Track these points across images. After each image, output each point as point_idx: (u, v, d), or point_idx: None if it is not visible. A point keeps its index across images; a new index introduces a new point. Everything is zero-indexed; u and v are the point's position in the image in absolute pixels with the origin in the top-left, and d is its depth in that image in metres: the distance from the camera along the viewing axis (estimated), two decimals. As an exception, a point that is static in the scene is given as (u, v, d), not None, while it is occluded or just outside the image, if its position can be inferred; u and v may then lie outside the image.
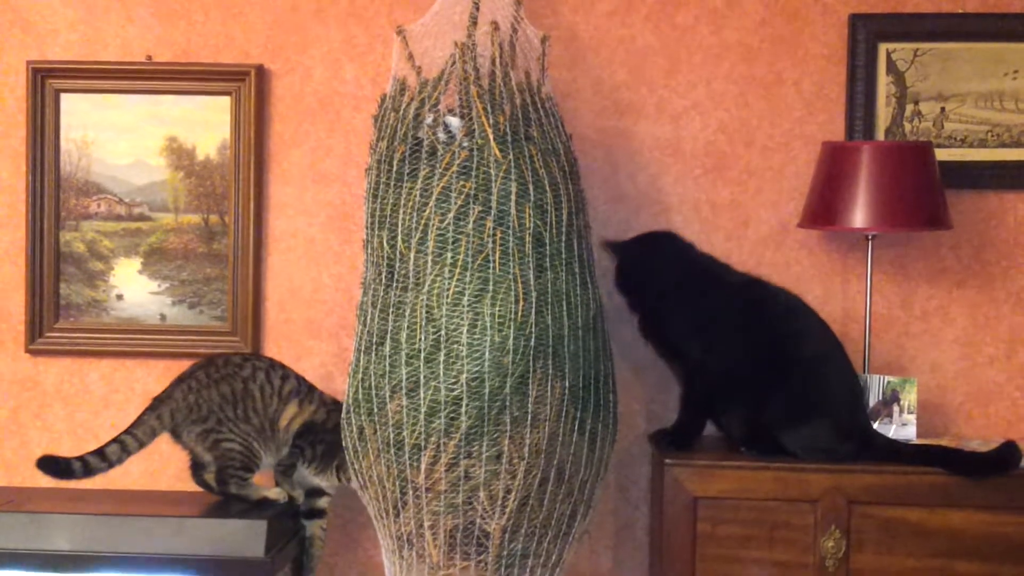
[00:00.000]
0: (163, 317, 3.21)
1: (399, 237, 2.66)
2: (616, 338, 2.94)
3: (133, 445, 2.84)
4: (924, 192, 2.92)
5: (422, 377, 2.60)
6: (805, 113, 3.15)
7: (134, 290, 3.22)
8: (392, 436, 2.63)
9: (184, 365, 2.96)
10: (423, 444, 2.60)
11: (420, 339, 2.60)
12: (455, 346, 2.58)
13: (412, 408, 2.60)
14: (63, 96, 3.19)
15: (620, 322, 3.01)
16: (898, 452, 2.81)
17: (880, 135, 3.13)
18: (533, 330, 2.60)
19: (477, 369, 2.57)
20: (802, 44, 3.15)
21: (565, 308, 2.66)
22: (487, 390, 2.57)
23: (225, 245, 3.20)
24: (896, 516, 2.74)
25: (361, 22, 3.18)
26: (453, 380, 2.58)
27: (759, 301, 2.90)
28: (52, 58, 3.20)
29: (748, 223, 3.16)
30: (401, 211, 2.67)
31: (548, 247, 2.65)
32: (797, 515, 2.75)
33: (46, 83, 3.19)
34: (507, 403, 2.58)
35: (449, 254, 2.61)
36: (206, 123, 3.18)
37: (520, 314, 2.59)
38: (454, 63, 2.70)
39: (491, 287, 2.60)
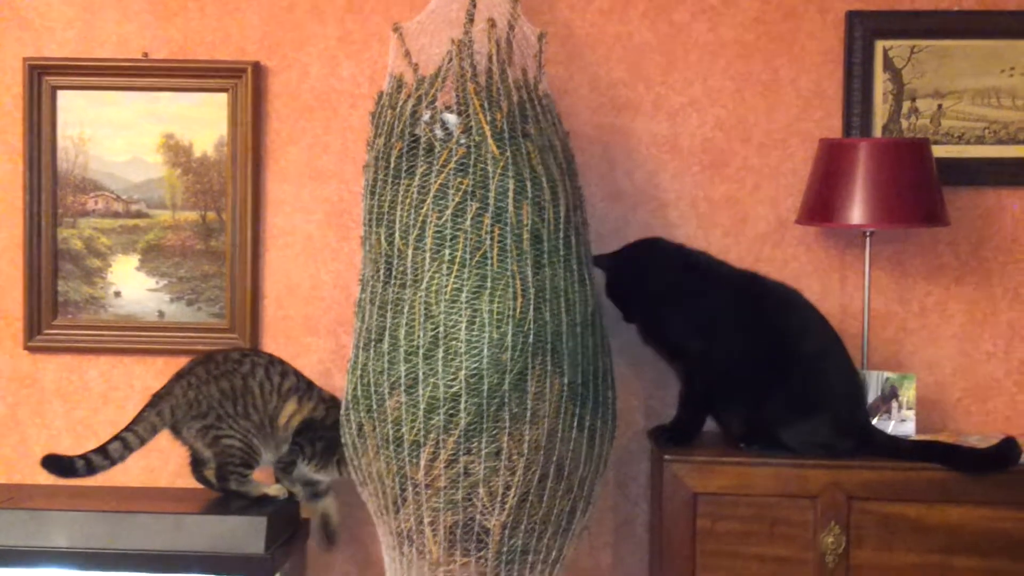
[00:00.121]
0: (161, 314, 3.21)
1: (397, 234, 2.66)
2: (614, 335, 2.95)
3: (134, 442, 2.84)
4: (921, 189, 2.92)
5: (421, 374, 2.60)
6: (802, 110, 3.16)
7: (132, 287, 3.21)
8: (391, 433, 2.63)
9: (182, 362, 2.96)
10: (422, 441, 2.60)
11: (419, 336, 2.60)
12: (453, 343, 2.58)
13: (411, 405, 2.61)
14: (60, 93, 3.19)
15: (618, 319, 3.01)
16: (897, 448, 2.81)
17: (877, 132, 3.13)
18: (531, 327, 2.60)
19: (476, 366, 2.57)
20: (799, 41, 3.15)
21: (563, 305, 2.66)
22: (486, 386, 2.57)
23: (223, 242, 3.19)
24: (895, 512, 2.74)
25: (358, 19, 3.18)
26: (452, 377, 2.58)
27: (757, 296, 2.90)
28: (49, 55, 3.20)
29: (746, 220, 3.17)
30: (399, 208, 2.67)
31: (546, 244, 2.65)
32: (797, 511, 2.76)
33: (43, 80, 3.18)
34: (506, 399, 2.58)
35: (447, 251, 2.61)
36: (203, 120, 3.18)
37: (518, 311, 2.60)
38: (451, 60, 2.70)
39: (489, 284, 2.60)
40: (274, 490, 2.90)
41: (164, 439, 2.92)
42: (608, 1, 3.15)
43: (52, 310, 3.21)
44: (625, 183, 3.18)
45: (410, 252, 2.64)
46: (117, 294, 3.22)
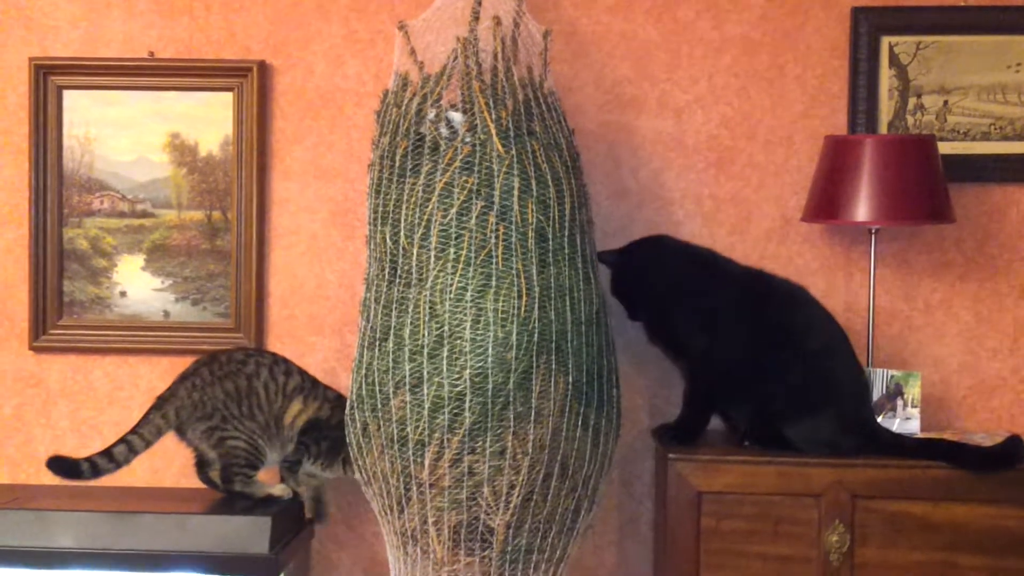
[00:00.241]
0: (167, 314, 3.21)
1: (402, 233, 2.66)
2: (619, 333, 2.94)
3: (140, 445, 2.84)
4: (927, 186, 2.92)
5: (425, 373, 2.60)
6: (807, 107, 3.15)
7: (137, 287, 3.22)
8: (396, 432, 2.63)
9: (188, 362, 2.97)
10: (427, 440, 2.60)
11: (423, 335, 2.60)
12: (458, 342, 2.58)
13: (416, 404, 2.61)
14: (65, 93, 3.19)
15: (623, 317, 3.00)
16: (902, 446, 2.81)
17: (883, 129, 3.12)
18: (536, 325, 2.60)
19: (480, 365, 2.57)
20: (804, 38, 3.15)
21: (568, 303, 2.66)
22: (490, 386, 2.57)
23: (228, 241, 3.20)
24: (900, 510, 2.74)
25: (363, 17, 3.18)
26: (456, 376, 2.58)
27: (762, 294, 2.90)
28: (54, 55, 3.20)
29: (751, 217, 3.16)
30: (404, 207, 2.67)
31: (551, 242, 2.65)
32: (801, 509, 2.75)
33: (48, 80, 3.19)
34: (511, 399, 2.58)
35: (452, 250, 2.61)
36: (208, 119, 3.18)
37: (523, 309, 2.60)
38: (456, 58, 2.69)
39: (494, 283, 2.60)
40: (278, 490, 2.90)
41: (169, 439, 2.92)
42: (613, -1, 3.16)
43: (57, 310, 3.21)
44: (630, 181, 3.18)
45: (415, 251, 2.64)
46: (123, 294, 3.22)
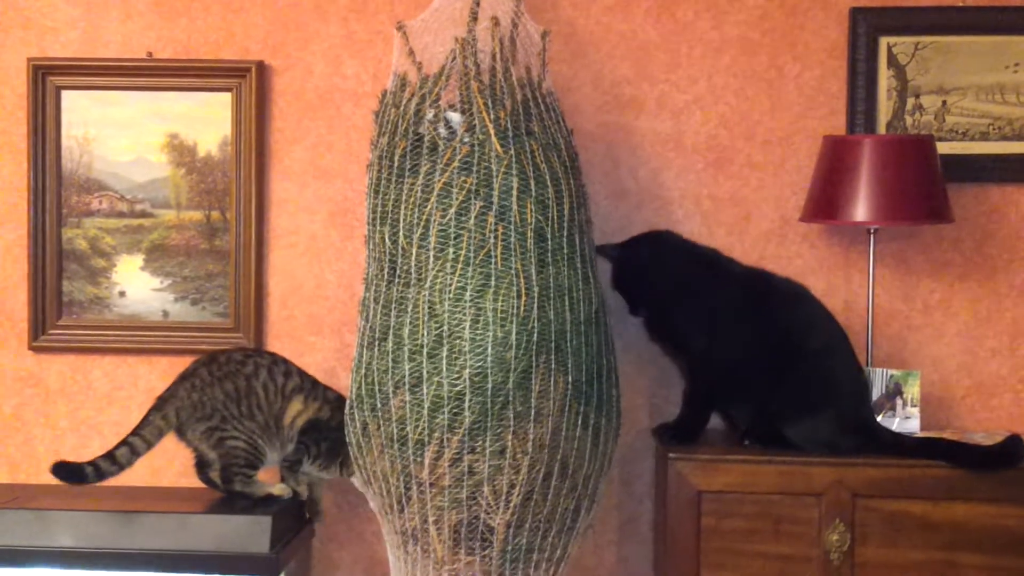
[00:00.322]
0: (166, 314, 3.21)
1: (401, 233, 2.66)
2: (618, 333, 2.95)
3: (141, 446, 2.84)
4: (926, 186, 2.92)
5: (425, 373, 2.60)
6: (806, 107, 3.15)
7: (136, 287, 3.22)
8: (396, 432, 2.63)
9: (187, 361, 2.96)
10: (427, 440, 2.60)
11: (423, 335, 2.60)
12: (458, 341, 2.58)
13: (415, 404, 2.61)
14: (64, 93, 3.19)
15: (622, 317, 3.01)
16: (902, 445, 2.81)
17: (881, 129, 3.13)
18: (535, 325, 2.60)
19: (480, 364, 2.57)
20: (803, 38, 3.15)
21: (567, 303, 2.66)
22: (490, 385, 2.57)
23: (227, 241, 3.20)
24: (900, 509, 2.74)
25: (361, 18, 3.18)
26: (456, 375, 2.58)
27: (763, 293, 2.90)
28: (53, 55, 3.20)
29: (750, 217, 3.16)
30: (403, 207, 2.67)
31: (550, 242, 2.65)
32: (801, 509, 2.75)
33: (47, 80, 3.18)
34: (510, 398, 2.58)
35: (451, 250, 2.61)
36: (207, 120, 3.18)
37: (522, 309, 2.60)
38: (455, 59, 2.70)
39: (493, 282, 2.60)
40: (278, 490, 2.90)
41: (169, 439, 2.92)
42: (611, -1, 3.16)
43: (57, 310, 3.21)
44: (629, 181, 3.18)
45: (414, 251, 2.64)
46: (122, 294, 3.22)
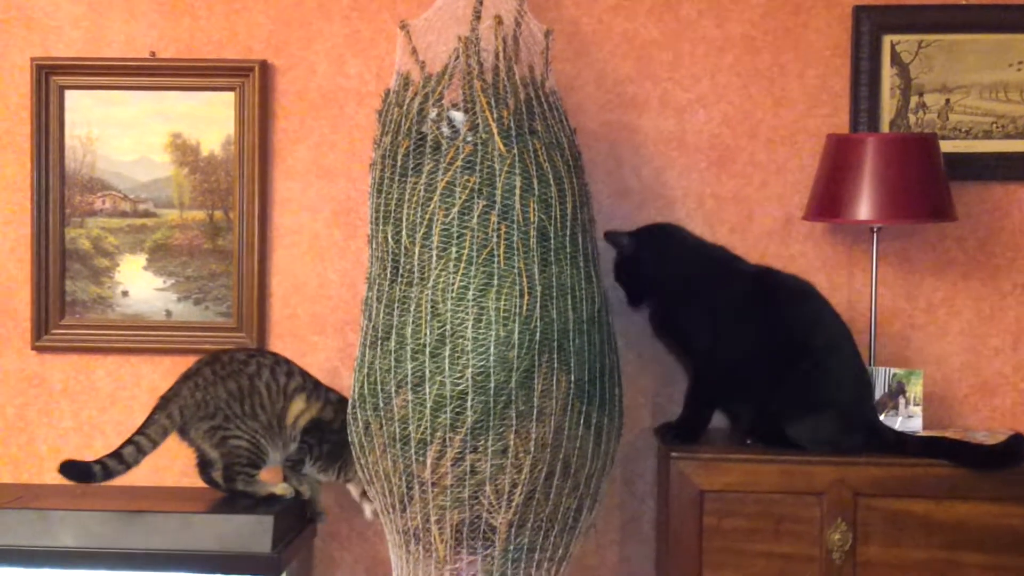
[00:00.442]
0: (169, 313, 3.22)
1: (404, 232, 2.66)
2: (621, 332, 2.95)
3: (147, 445, 2.85)
4: (929, 184, 2.92)
5: (427, 372, 2.60)
6: (809, 105, 3.15)
7: (139, 286, 3.22)
8: (398, 431, 2.63)
9: (190, 361, 2.97)
10: (429, 439, 2.60)
11: (425, 334, 2.61)
12: (460, 341, 2.58)
13: (418, 403, 2.61)
14: (67, 93, 3.20)
15: (625, 316, 3.00)
16: (904, 444, 2.80)
17: (885, 127, 3.12)
18: (538, 324, 2.60)
19: (482, 363, 2.57)
20: (806, 36, 3.15)
21: (570, 302, 2.66)
22: (492, 384, 2.57)
23: (230, 241, 3.20)
24: (902, 508, 2.74)
25: (364, 17, 3.18)
26: (459, 375, 2.58)
27: (769, 290, 2.89)
28: (56, 55, 3.21)
29: (753, 216, 3.16)
30: (406, 206, 2.67)
31: (552, 241, 2.65)
32: (803, 508, 2.75)
33: (50, 80, 3.19)
34: (513, 397, 2.58)
35: (454, 249, 2.61)
36: (210, 119, 3.19)
37: (525, 308, 2.60)
38: (458, 58, 2.70)
39: (496, 281, 2.60)
40: (280, 489, 2.91)
41: (171, 439, 2.92)
42: (614, -3, 3.16)
43: (60, 310, 3.22)
44: (632, 180, 3.18)
45: (417, 250, 2.64)
46: (125, 293, 3.23)
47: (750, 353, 2.84)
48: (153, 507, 2.84)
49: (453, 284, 2.60)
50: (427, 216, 2.64)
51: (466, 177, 2.63)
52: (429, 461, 2.61)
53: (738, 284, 2.89)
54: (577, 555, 2.80)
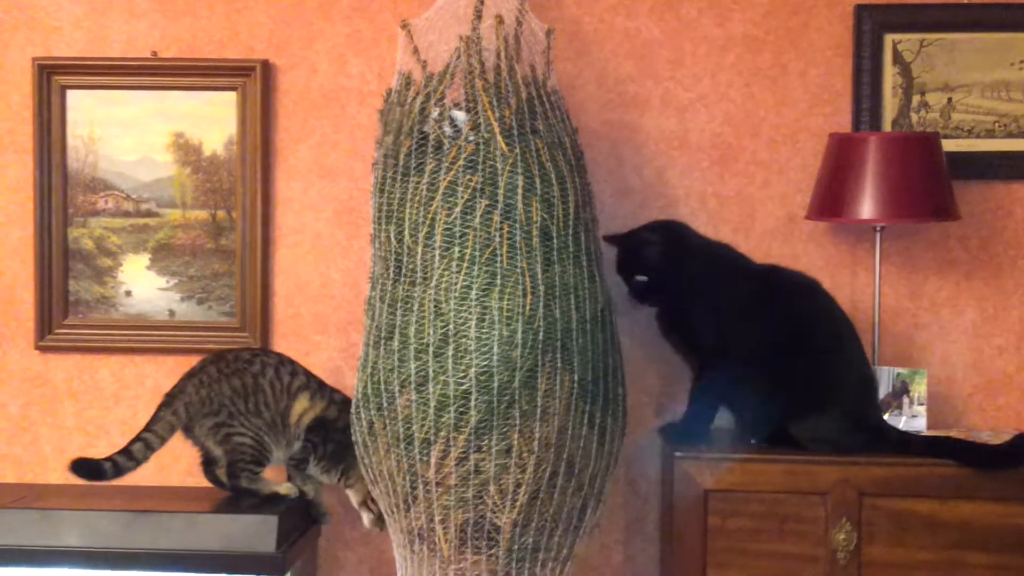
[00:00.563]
0: (172, 313, 3.21)
1: (406, 231, 2.66)
2: (625, 331, 2.94)
3: (156, 442, 2.86)
4: (931, 183, 2.91)
5: (431, 371, 2.60)
6: (811, 105, 3.15)
7: (143, 286, 3.22)
8: (402, 431, 2.63)
9: (193, 361, 2.97)
10: (433, 438, 2.60)
11: (428, 333, 2.60)
12: (463, 340, 2.58)
13: (421, 403, 2.61)
14: (69, 92, 3.19)
15: (629, 315, 3.00)
16: (908, 444, 2.80)
17: (887, 126, 3.12)
18: (541, 324, 2.60)
19: (486, 363, 2.57)
20: (808, 35, 3.15)
21: (573, 302, 2.66)
22: (496, 384, 2.57)
23: (233, 241, 3.20)
24: (907, 508, 2.73)
25: (366, 16, 3.18)
26: (462, 374, 2.58)
27: (773, 289, 2.89)
28: (58, 55, 3.20)
29: (755, 215, 3.16)
30: (408, 205, 2.67)
31: (555, 241, 2.65)
32: (808, 508, 2.75)
33: (52, 80, 3.19)
34: (516, 397, 2.58)
35: (456, 248, 2.61)
36: (212, 119, 3.18)
37: (528, 308, 2.60)
38: (459, 57, 2.69)
39: (499, 281, 2.60)
40: (285, 488, 2.91)
41: (175, 439, 2.92)
42: (616, -3, 3.16)
43: (63, 309, 3.22)
44: (634, 179, 3.18)
45: (419, 250, 2.64)
46: (128, 293, 3.23)
47: (756, 351, 2.83)
48: (157, 507, 2.84)
49: (456, 284, 2.60)
50: (430, 216, 2.63)
51: (468, 177, 2.63)
52: (433, 461, 2.61)
53: (745, 281, 2.89)
54: (581, 555, 2.80)
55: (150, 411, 2.91)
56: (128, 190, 3.22)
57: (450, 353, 2.59)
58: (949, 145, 3.04)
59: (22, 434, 3.26)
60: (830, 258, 3.15)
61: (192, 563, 2.74)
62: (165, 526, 2.76)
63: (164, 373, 3.16)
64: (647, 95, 3.17)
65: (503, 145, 2.63)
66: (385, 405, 2.65)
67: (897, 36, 3.11)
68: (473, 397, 2.58)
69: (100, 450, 2.91)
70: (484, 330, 2.58)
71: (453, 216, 2.62)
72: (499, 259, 2.60)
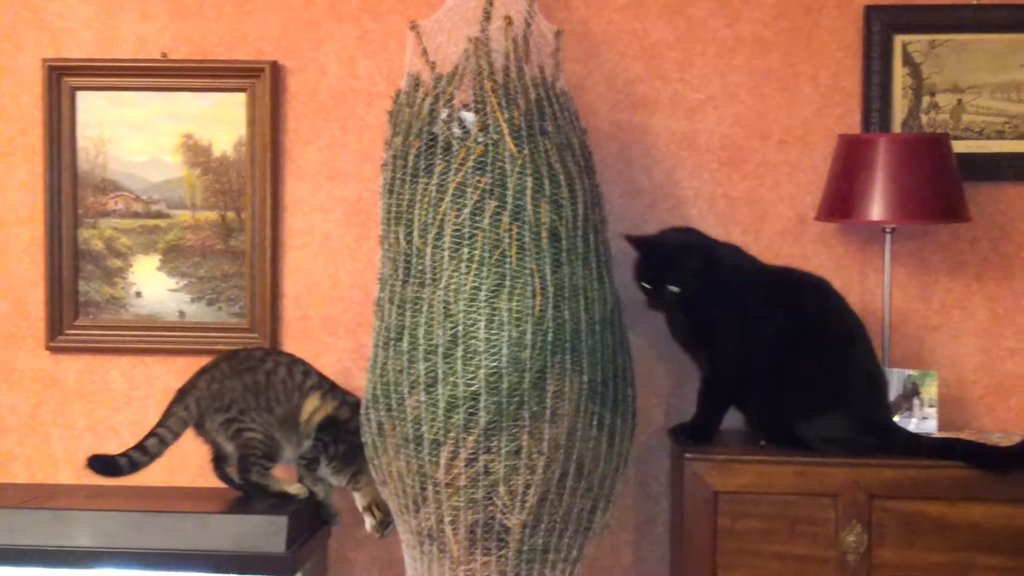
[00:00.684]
0: (182, 314, 3.22)
1: (415, 233, 2.66)
2: (634, 332, 2.94)
3: (169, 437, 2.87)
4: (941, 184, 2.91)
5: (440, 373, 2.60)
6: (821, 106, 3.14)
7: (153, 287, 3.23)
8: (411, 432, 2.63)
9: (203, 361, 2.97)
10: (442, 440, 2.60)
11: (438, 335, 2.61)
12: (473, 341, 2.58)
13: (431, 404, 2.61)
14: (79, 94, 3.20)
15: (637, 316, 3.00)
16: (919, 446, 2.79)
17: (897, 127, 3.12)
18: (550, 325, 2.60)
19: (495, 364, 2.57)
20: (817, 36, 3.14)
21: (582, 303, 2.66)
22: (505, 385, 2.57)
23: (242, 242, 3.20)
24: (917, 510, 2.73)
25: (375, 18, 3.18)
26: (471, 376, 2.58)
27: (786, 287, 2.88)
28: (68, 56, 3.21)
29: (765, 216, 3.16)
30: (417, 207, 2.67)
31: (564, 242, 2.65)
32: (818, 509, 2.75)
33: (62, 81, 3.19)
34: (525, 398, 2.58)
35: (465, 249, 2.61)
36: (222, 120, 3.19)
37: (537, 309, 2.59)
38: (468, 58, 2.69)
39: (508, 282, 2.60)
40: (295, 489, 2.91)
41: (185, 439, 2.93)
42: (625, -2, 3.15)
43: (73, 310, 3.22)
44: (643, 180, 3.17)
45: (429, 251, 2.64)
46: (138, 294, 3.23)
47: (767, 351, 2.82)
48: (167, 507, 2.85)
49: (465, 285, 2.60)
50: (439, 217, 2.63)
51: (477, 178, 2.63)
52: (443, 462, 2.61)
53: (758, 283, 2.88)
54: (591, 556, 2.80)
55: (160, 412, 2.92)
56: (138, 191, 3.22)
57: (459, 354, 2.59)
58: (959, 146, 3.04)
59: (33, 434, 3.26)
60: (840, 259, 3.14)
61: (202, 563, 2.74)
62: (175, 526, 2.77)
63: (174, 374, 3.17)
64: (656, 96, 3.16)
65: (512, 146, 2.63)
66: (395, 406, 2.66)
67: (907, 37, 3.11)
68: (482, 398, 2.58)
69: (110, 450, 2.91)
70: (493, 331, 2.58)
71: (462, 217, 2.62)
72: (508, 260, 2.60)
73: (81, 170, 3.22)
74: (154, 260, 3.22)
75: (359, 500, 2.99)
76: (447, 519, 2.63)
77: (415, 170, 2.69)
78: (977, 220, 3.09)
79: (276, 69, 3.17)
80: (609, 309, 2.73)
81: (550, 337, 2.60)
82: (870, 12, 3.11)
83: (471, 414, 2.58)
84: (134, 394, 3.24)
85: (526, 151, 2.63)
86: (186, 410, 2.88)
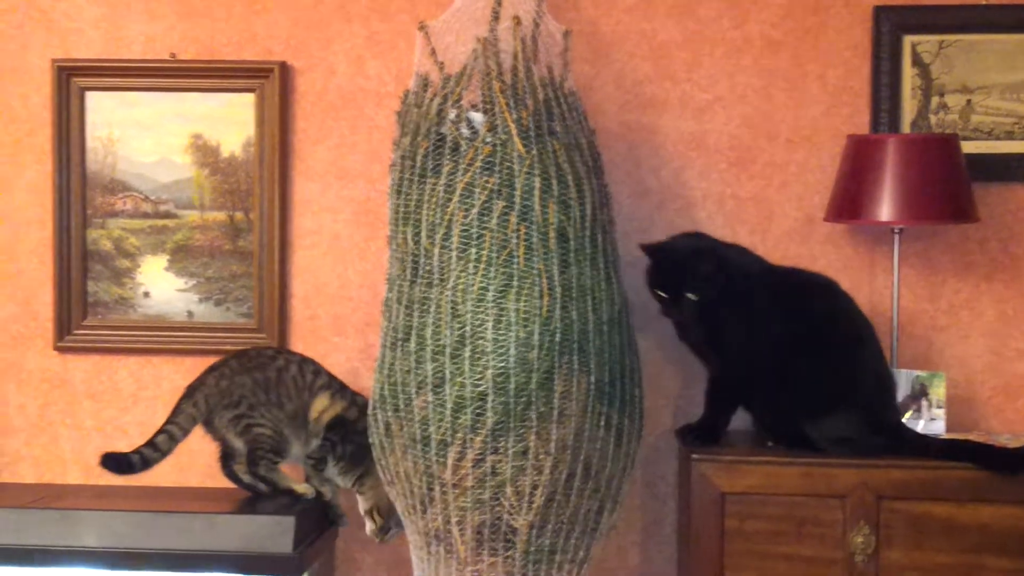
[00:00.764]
0: (190, 314, 3.22)
1: (423, 233, 2.66)
2: (641, 333, 2.94)
3: (178, 433, 2.89)
4: (950, 185, 2.90)
5: (448, 373, 2.60)
6: (830, 106, 3.14)
7: (161, 287, 3.23)
8: (419, 432, 2.63)
9: (211, 361, 2.99)
10: (449, 440, 2.60)
11: (445, 335, 2.61)
12: (480, 342, 2.58)
13: (438, 404, 2.61)
14: (88, 94, 3.21)
15: (645, 317, 3.00)
16: (927, 447, 2.79)
17: (905, 128, 3.11)
18: (558, 326, 2.60)
19: (503, 365, 2.57)
20: (826, 37, 3.14)
21: (590, 303, 2.66)
22: (513, 386, 2.57)
23: (251, 242, 3.21)
24: (925, 511, 2.72)
25: (384, 18, 3.19)
26: (479, 376, 2.58)
27: (795, 288, 2.87)
28: (77, 56, 3.22)
29: (773, 217, 3.15)
30: (425, 207, 2.67)
31: (572, 242, 2.65)
32: (825, 510, 2.74)
33: (71, 81, 3.20)
34: (533, 399, 2.58)
35: (473, 250, 2.61)
36: (230, 120, 3.19)
37: (545, 310, 2.59)
38: (476, 58, 2.70)
39: (515, 283, 2.60)
40: (302, 488, 2.92)
41: (193, 440, 2.94)
42: (633, -2, 3.15)
43: (82, 310, 3.23)
44: (651, 181, 3.17)
45: (436, 251, 2.64)
46: (146, 294, 3.24)
47: (775, 352, 2.82)
48: (175, 507, 2.85)
49: (473, 285, 2.60)
50: (447, 217, 2.64)
51: (485, 178, 2.63)
52: (450, 462, 2.61)
53: (765, 283, 2.87)
54: (598, 557, 2.80)
55: (168, 412, 2.93)
56: (146, 191, 3.23)
57: (467, 355, 2.59)
58: (968, 147, 3.03)
59: (41, 434, 3.27)
60: (848, 260, 3.14)
61: (209, 563, 2.75)
62: (183, 526, 2.77)
63: (182, 374, 3.17)
64: (665, 96, 3.16)
65: (520, 147, 2.63)
66: (402, 406, 2.66)
67: (916, 37, 3.10)
68: (490, 399, 2.58)
69: (119, 450, 2.92)
70: (501, 332, 2.58)
71: (470, 217, 2.62)
72: (516, 261, 2.60)
73: (90, 170, 3.22)
74: (162, 260, 3.23)
75: (362, 504, 3.00)
76: (454, 520, 2.63)
77: (423, 170, 2.69)
78: (986, 221, 3.08)
79: (285, 69, 3.18)
80: (617, 310, 2.72)
81: (558, 337, 2.60)
82: (879, 12, 3.10)
83: (478, 414, 2.58)
84: (142, 394, 3.24)
85: (534, 151, 2.63)
86: (195, 407, 2.90)
